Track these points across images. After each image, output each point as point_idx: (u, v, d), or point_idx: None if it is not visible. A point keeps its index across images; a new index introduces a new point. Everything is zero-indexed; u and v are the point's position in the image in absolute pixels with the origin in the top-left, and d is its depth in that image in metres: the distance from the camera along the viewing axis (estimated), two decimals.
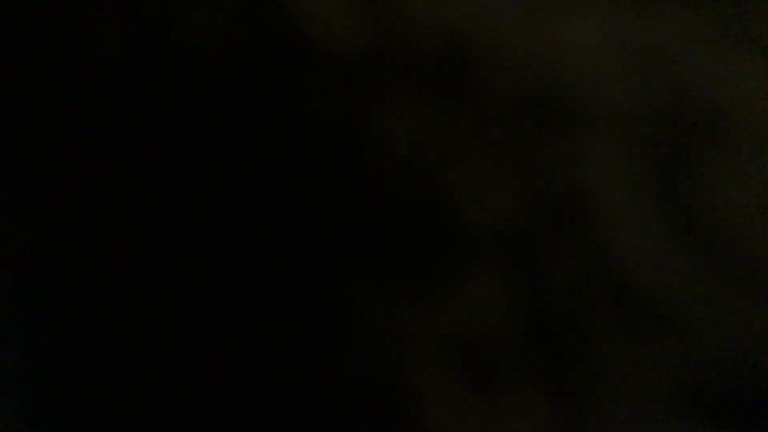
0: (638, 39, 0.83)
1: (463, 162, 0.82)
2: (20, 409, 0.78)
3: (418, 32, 0.85)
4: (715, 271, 0.78)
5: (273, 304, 0.80)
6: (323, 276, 0.80)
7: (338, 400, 0.78)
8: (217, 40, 0.85)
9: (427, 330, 0.79)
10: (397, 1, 0.85)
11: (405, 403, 0.77)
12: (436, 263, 0.80)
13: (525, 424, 0.76)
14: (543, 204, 0.81)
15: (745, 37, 0.83)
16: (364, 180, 0.82)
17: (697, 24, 0.83)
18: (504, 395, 0.77)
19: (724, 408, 0.76)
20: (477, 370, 0.78)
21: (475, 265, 0.80)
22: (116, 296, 0.80)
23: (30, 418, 0.78)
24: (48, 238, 0.81)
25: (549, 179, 0.81)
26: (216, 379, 0.78)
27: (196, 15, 0.85)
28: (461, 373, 0.78)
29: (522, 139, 0.82)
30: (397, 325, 0.79)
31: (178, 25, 0.85)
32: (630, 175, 0.81)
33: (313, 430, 0.77)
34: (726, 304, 0.78)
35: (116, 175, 0.83)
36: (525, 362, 0.77)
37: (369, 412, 0.77)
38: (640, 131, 0.82)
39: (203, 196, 0.82)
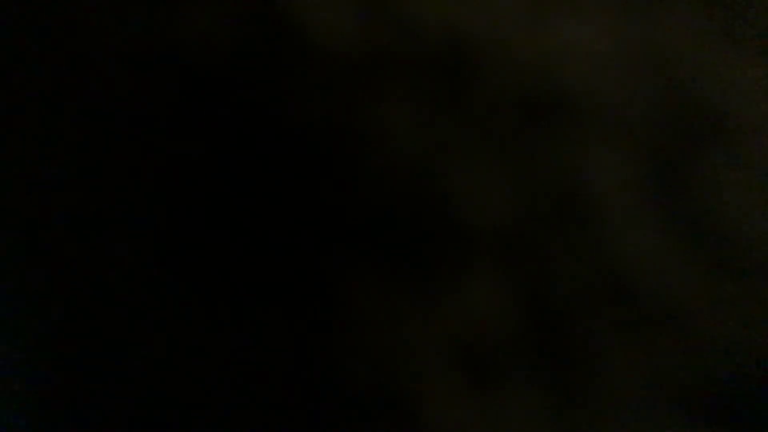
0: (639, 39, 0.83)
1: (463, 161, 0.82)
2: (20, 409, 0.78)
3: (419, 32, 0.85)
4: (716, 270, 0.78)
5: (273, 304, 0.80)
6: (323, 275, 0.80)
7: (339, 400, 0.78)
8: (218, 40, 0.85)
9: (428, 330, 0.79)
10: (398, 2, 0.85)
11: (405, 402, 0.77)
12: (437, 263, 0.80)
13: (525, 424, 0.76)
14: (543, 203, 0.81)
15: (745, 37, 0.83)
16: (364, 179, 0.82)
17: (697, 24, 0.83)
18: (504, 395, 0.77)
19: (724, 408, 0.76)
20: (477, 370, 0.78)
21: (476, 264, 0.80)
22: (117, 295, 0.80)
23: (30, 417, 0.78)
24: (48, 238, 0.81)
25: (549, 179, 0.81)
26: (218, 378, 0.78)
27: (197, 15, 0.85)
28: (461, 373, 0.78)
29: (523, 139, 0.82)
30: (397, 325, 0.79)
31: (178, 25, 0.85)
32: (630, 175, 0.81)
33: (314, 429, 0.77)
34: (726, 304, 0.78)
35: (117, 174, 0.83)
36: (525, 362, 0.78)
37: (370, 411, 0.77)
38: (640, 131, 0.82)
39: (204, 195, 0.82)
